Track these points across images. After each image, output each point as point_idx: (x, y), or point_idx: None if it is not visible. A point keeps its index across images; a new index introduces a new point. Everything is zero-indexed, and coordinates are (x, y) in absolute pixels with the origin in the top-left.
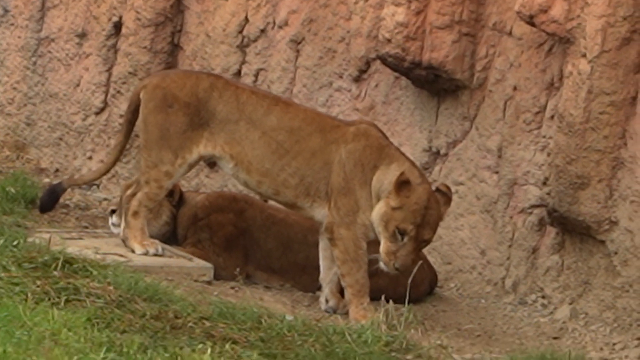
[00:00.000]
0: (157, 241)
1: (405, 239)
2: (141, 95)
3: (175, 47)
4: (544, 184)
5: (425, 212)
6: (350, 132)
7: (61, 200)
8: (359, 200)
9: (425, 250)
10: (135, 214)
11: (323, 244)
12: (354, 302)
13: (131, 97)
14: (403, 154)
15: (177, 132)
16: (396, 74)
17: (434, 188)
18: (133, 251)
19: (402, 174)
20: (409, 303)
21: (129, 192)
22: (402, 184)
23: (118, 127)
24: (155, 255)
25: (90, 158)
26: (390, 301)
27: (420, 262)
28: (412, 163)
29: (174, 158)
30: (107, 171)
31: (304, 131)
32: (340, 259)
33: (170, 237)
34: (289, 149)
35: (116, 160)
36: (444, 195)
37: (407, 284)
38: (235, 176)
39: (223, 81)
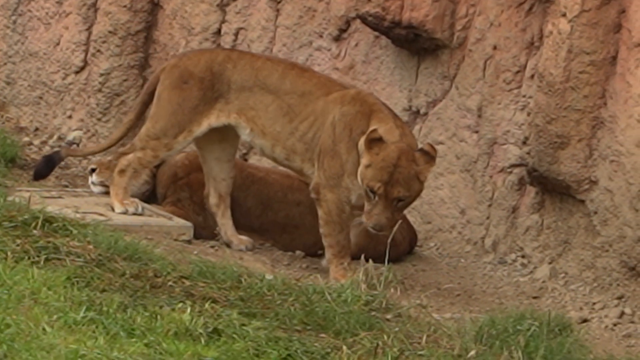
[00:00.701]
0: (137, 200)
1: (376, 198)
2: (161, 77)
3: (155, 6)
4: (524, 143)
5: (394, 170)
6: (349, 95)
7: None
8: (344, 164)
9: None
10: (122, 172)
11: None
12: (334, 262)
13: (151, 78)
14: (393, 118)
15: (189, 107)
16: (376, 33)
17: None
18: (113, 209)
19: (372, 130)
20: (388, 262)
21: (120, 149)
22: (372, 141)
23: (98, 86)
24: (135, 214)
25: (70, 117)
26: (370, 260)
27: (399, 222)
28: (398, 125)
29: (178, 133)
30: (110, 147)
31: (313, 95)
32: (323, 219)
33: (150, 196)
34: (297, 113)
35: (122, 137)
36: (426, 154)
37: (387, 243)
38: (252, 143)
39: (237, 52)
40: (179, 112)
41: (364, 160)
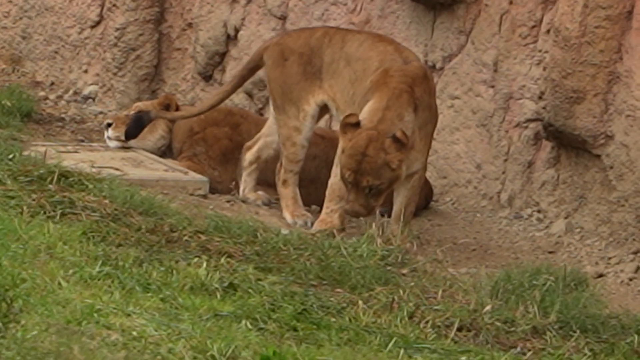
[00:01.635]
0: (308, 214)
1: (349, 185)
2: (264, 58)
3: None
4: (540, 98)
5: (362, 159)
6: (385, 67)
7: (56, 113)
8: None
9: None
10: (285, 182)
11: None
12: (325, 205)
13: (253, 55)
14: (390, 98)
15: (293, 84)
16: None
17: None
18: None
19: (348, 115)
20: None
21: (246, 143)
22: (345, 126)
23: (114, 41)
24: (304, 226)
25: (85, 71)
26: (385, 215)
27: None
28: (387, 107)
29: (297, 112)
30: (200, 114)
31: (372, 62)
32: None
33: (166, 150)
34: (357, 78)
35: (214, 106)
36: (397, 142)
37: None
38: (338, 119)
39: (335, 29)
40: (287, 90)
41: (340, 145)
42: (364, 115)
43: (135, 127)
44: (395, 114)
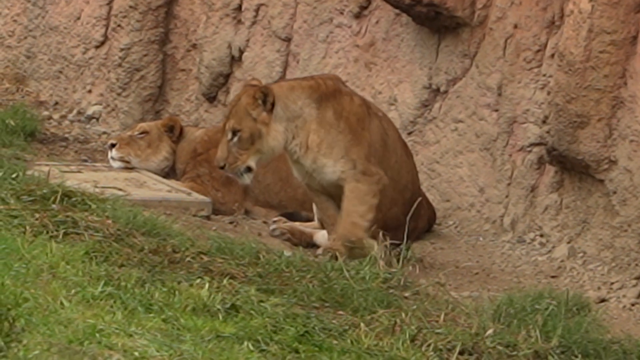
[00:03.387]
0: None
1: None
2: None
3: None
4: (544, 122)
5: (235, 104)
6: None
7: (60, 133)
8: None
9: (423, 187)
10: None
11: None
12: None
13: None
14: (310, 82)
15: None
16: (397, 11)
17: None
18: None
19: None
20: (407, 240)
21: None
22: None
23: (118, 61)
24: None
25: (89, 91)
26: (388, 238)
27: (419, 199)
28: (299, 85)
29: None
30: None
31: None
32: None
33: (170, 171)
34: None
35: None
36: (265, 100)
37: (406, 221)
38: None
39: None
40: None
41: None
42: None
43: None
44: (298, 87)
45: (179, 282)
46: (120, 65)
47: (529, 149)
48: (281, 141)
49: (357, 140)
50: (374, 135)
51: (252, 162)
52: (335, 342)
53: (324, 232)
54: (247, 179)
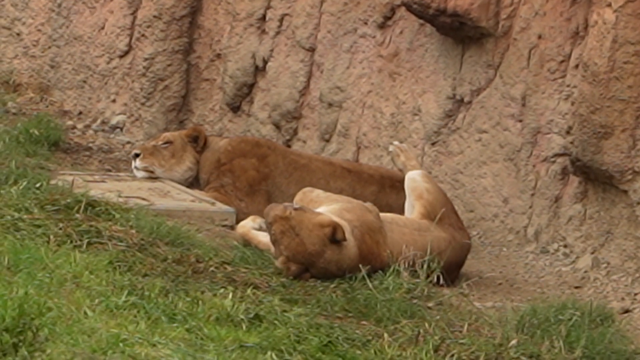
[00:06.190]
0: None
1: None
2: None
3: None
4: (568, 132)
5: None
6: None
7: (84, 142)
8: None
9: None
10: None
11: None
12: None
13: None
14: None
15: None
16: (421, 21)
17: None
18: None
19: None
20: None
21: None
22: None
23: (142, 71)
24: None
25: (113, 101)
26: (412, 248)
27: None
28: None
29: None
30: None
31: None
32: None
33: (193, 181)
34: None
35: None
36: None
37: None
38: None
39: None
40: None
41: None
42: None
43: None
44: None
45: (202, 292)
46: (144, 75)
47: (552, 159)
48: None
49: None
50: None
51: None
52: (358, 352)
53: None
54: None
